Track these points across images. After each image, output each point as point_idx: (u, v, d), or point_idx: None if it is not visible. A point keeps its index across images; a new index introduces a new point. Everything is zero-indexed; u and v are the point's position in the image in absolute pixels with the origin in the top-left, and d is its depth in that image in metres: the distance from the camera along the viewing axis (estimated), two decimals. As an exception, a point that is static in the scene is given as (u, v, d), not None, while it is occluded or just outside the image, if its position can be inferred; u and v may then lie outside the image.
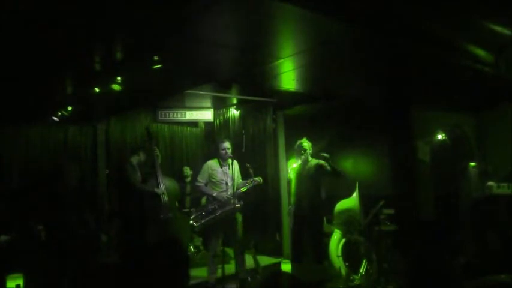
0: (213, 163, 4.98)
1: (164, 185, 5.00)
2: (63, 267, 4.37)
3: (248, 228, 5.18)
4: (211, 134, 7.61)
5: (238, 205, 4.81)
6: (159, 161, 5.17)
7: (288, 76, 4.87)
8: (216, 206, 4.78)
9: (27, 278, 4.13)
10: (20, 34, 3.17)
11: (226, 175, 4.88)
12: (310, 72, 4.85)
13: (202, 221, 4.75)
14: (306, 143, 5.25)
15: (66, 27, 3.10)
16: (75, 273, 4.37)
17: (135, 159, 5.23)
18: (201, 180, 4.97)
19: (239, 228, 4.94)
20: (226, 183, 4.82)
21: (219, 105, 7.16)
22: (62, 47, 3.52)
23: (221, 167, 4.92)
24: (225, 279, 4.56)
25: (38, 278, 4.23)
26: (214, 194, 4.87)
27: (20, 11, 2.78)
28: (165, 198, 4.89)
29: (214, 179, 4.92)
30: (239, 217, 4.97)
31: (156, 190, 4.92)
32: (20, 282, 4.05)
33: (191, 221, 4.80)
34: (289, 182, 5.63)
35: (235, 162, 4.90)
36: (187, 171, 6.61)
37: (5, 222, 4.63)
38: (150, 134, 5.30)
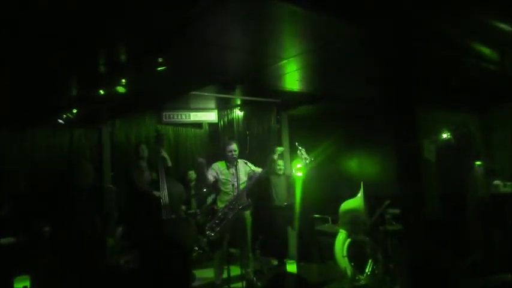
0: (219, 165, 4.99)
1: (166, 187, 4.96)
2: (69, 269, 4.39)
3: (254, 229, 5.18)
4: (216, 135, 7.61)
5: (247, 203, 4.84)
6: (169, 163, 5.15)
7: (292, 77, 4.87)
8: (227, 210, 4.77)
9: (34, 280, 4.14)
10: (26, 37, 3.19)
11: (233, 176, 4.88)
12: (314, 72, 4.85)
13: (218, 229, 4.72)
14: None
15: (71, 30, 3.12)
16: (81, 275, 4.39)
17: (143, 161, 5.23)
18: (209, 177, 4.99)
19: (248, 228, 4.97)
20: (233, 185, 4.82)
21: (223, 106, 7.17)
22: (66, 50, 3.54)
23: (228, 169, 4.93)
24: (231, 280, 4.57)
25: (45, 280, 4.25)
26: (222, 195, 4.91)
27: (26, 15, 2.80)
28: (165, 200, 4.87)
29: (221, 180, 4.94)
30: (248, 218, 5.01)
31: (155, 192, 4.91)
32: (27, 284, 4.07)
33: (207, 232, 4.78)
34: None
35: (241, 161, 4.95)
36: (192, 175, 6.63)
37: (12, 225, 4.66)
38: (159, 136, 5.26)
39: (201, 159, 4.91)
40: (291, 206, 5.71)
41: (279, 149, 5.36)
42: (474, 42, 3.91)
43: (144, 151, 5.30)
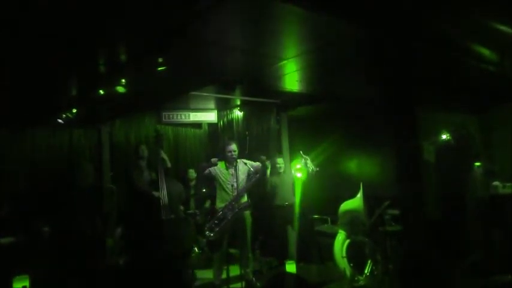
0: (219, 165, 4.99)
1: (165, 188, 4.95)
2: (69, 269, 4.39)
3: (253, 229, 5.18)
4: (215, 135, 7.61)
5: (247, 203, 4.86)
6: (168, 164, 5.15)
7: (292, 77, 4.87)
8: (226, 210, 4.77)
9: (33, 280, 4.14)
10: (26, 37, 3.19)
11: (232, 177, 4.88)
12: (314, 73, 4.85)
13: (217, 229, 4.73)
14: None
15: (71, 30, 3.12)
16: (81, 275, 4.39)
17: (143, 161, 5.23)
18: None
19: (248, 228, 4.97)
20: (232, 185, 4.83)
21: (223, 106, 7.17)
22: (66, 50, 3.54)
23: (227, 169, 4.94)
24: (230, 280, 4.56)
25: (44, 280, 4.24)
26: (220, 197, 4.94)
27: (26, 15, 2.80)
28: (165, 200, 4.87)
29: (221, 180, 4.94)
30: (248, 218, 5.01)
31: (154, 192, 4.91)
32: (26, 283, 4.07)
33: (206, 232, 4.79)
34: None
35: (241, 162, 4.96)
36: (192, 174, 6.63)
37: (11, 224, 4.66)
38: (158, 136, 5.23)
39: (215, 159, 4.97)
40: (290, 206, 5.71)
41: (280, 160, 5.65)
42: (474, 43, 3.91)
43: (144, 151, 5.30)
